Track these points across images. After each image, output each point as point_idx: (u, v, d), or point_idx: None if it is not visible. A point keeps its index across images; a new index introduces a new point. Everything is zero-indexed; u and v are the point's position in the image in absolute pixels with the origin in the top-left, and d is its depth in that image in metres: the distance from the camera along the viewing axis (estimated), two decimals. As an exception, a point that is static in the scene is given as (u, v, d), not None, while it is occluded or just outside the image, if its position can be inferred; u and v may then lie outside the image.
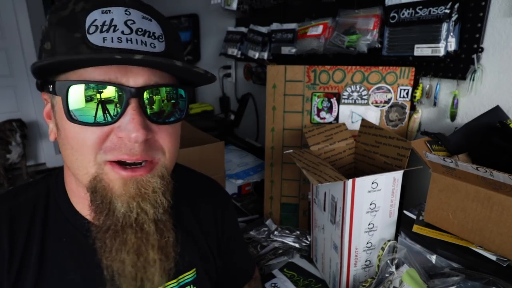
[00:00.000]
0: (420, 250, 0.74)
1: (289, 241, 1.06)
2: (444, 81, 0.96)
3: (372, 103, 1.04)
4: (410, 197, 1.05)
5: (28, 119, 3.16)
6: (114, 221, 0.46)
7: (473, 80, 0.88)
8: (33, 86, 0.54)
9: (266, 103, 1.12)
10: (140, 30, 0.45)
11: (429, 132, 0.88)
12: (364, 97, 1.04)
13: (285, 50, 1.38)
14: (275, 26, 1.46)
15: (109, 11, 0.44)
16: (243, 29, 1.68)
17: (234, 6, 1.63)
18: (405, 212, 0.85)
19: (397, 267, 0.72)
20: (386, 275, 0.73)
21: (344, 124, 1.04)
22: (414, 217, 0.83)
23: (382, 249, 0.80)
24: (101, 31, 0.43)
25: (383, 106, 1.04)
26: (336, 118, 1.08)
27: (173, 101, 0.48)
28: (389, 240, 0.81)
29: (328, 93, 1.07)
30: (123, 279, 0.49)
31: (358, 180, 0.76)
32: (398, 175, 0.80)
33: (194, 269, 0.61)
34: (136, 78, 0.44)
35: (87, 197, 0.47)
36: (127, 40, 0.43)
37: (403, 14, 0.96)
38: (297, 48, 1.32)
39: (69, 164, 0.48)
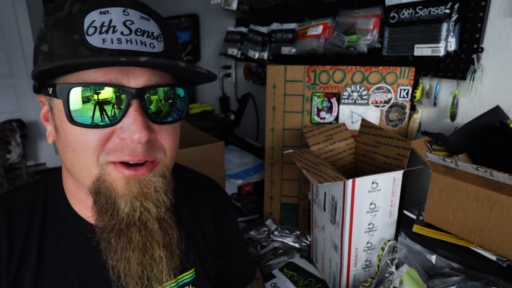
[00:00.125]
0: (420, 250, 0.74)
1: (289, 241, 1.06)
2: (444, 81, 0.96)
3: (372, 103, 1.04)
4: (410, 197, 1.05)
5: (28, 119, 3.16)
6: (118, 221, 0.46)
7: (473, 80, 0.88)
8: (33, 86, 0.54)
9: (266, 103, 1.12)
10: (139, 30, 0.45)
11: (429, 132, 0.88)
12: (364, 97, 1.04)
13: (285, 50, 1.38)
14: (275, 26, 1.46)
15: (107, 11, 0.43)
16: (243, 29, 1.68)
17: (234, 6, 1.63)
18: (405, 212, 0.85)
19: (397, 267, 0.72)
20: (386, 275, 0.73)
21: (344, 124, 1.04)
22: (414, 217, 0.83)
23: (382, 249, 0.80)
24: (100, 32, 0.43)
25: (383, 106, 1.04)
26: (336, 118, 1.08)
27: (173, 100, 0.49)
28: (389, 240, 0.81)
29: (328, 93, 1.07)
30: (129, 279, 0.48)
31: (358, 180, 0.76)
32: (398, 175, 0.80)
33: (193, 269, 0.61)
34: (136, 79, 0.44)
35: (89, 198, 0.47)
36: (126, 41, 0.43)
37: (403, 14, 0.96)
38: (297, 48, 1.32)
39: (70, 166, 0.48)
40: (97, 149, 0.45)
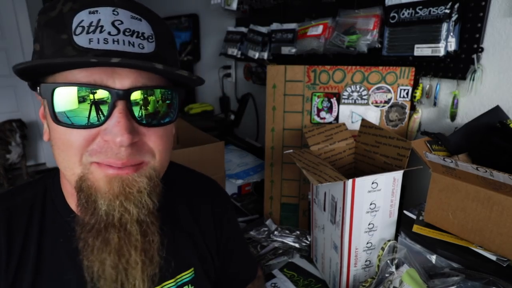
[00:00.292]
0: (420, 250, 0.74)
1: (289, 241, 1.06)
2: (444, 81, 0.96)
3: (372, 103, 1.04)
4: (410, 197, 1.05)
5: (28, 119, 3.16)
6: (98, 220, 0.45)
7: (473, 80, 0.88)
8: (33, 86, 0.54)
9: (266, 103, 1.12)
10: (128, 30, 0.44)
11: (429, 132, 0.88)
12: (364, 97, 1.04)
13: (285, 50, 1.38)
14: (275, 26, 1.46)
15: (97, 11, 0.43)
16: (243, 29, 1.68)
17: (234, 6, 1.63)
18: (405, 212, 0.85)
19: (397, 267, 0.72)
20: (386, 275, 0.73)
21: (344, 124, 1.04)
22: (414, 217, 0.83)
23: (382, 249, 0.80)
24: (88, 32, 0.42)
25: (383, 106, 1.04)
26: (336, 118, 1.08)
27: (161, 102, 0.47)
28: (389, 240, 0.81)
29: (328, 93, 1.07)
30: (103, 281, 0.47)
31: (358, 180, 0.76)
32: (398, 175, 0.80)
33: (192, 269, 0.61)
34: (122, 80, 0.43)
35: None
36: (113, 41, 0.42)
37: (403, 14, 0.96)
38: (297, 48, 1.32)
39: (58, 164, 0.48)
40: (81, 149, 0.44)
